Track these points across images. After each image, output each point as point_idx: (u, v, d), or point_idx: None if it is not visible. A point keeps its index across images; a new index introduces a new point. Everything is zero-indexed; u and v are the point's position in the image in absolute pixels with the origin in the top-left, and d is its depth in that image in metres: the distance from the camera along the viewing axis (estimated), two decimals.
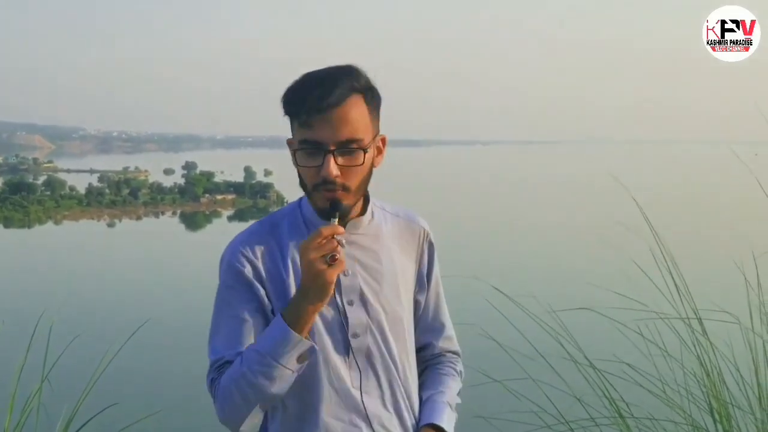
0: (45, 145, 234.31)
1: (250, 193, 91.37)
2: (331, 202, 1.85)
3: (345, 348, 1.94)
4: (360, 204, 1.98)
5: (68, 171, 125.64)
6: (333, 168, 1.83)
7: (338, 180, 1.84)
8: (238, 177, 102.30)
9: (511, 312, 3.84)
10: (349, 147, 1.84)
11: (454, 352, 2.21)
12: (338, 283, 1.92)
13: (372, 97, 1.89)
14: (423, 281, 2.11)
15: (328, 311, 1.92)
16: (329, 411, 1.92)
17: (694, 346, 3.46)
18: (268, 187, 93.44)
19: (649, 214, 3.78)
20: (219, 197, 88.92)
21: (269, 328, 1.85)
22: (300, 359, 1.83)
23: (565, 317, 3.76)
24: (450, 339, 2.19)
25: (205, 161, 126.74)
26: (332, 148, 1.82)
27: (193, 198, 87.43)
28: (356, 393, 1.94)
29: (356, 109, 1.84)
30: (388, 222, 2.06)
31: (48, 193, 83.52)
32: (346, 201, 1.87)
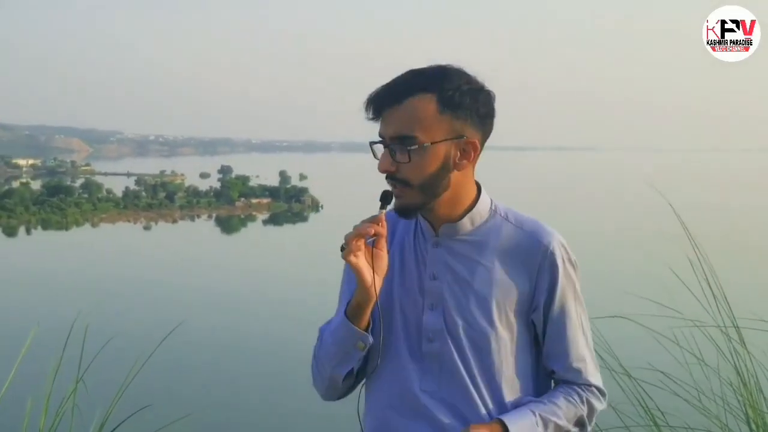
0: (83, 149, 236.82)
1: (285, 198, 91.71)
2: (382, 192, 1.93)
3: (418, 350, 1.97)
4: (458, 208, 1.97)
5: (105, 174, 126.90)
6: (382, 162, 1.91)
7: (396, 175, 1.89)
8: (274, 181, 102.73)
9: None
10: (400, 144, 1.88)
11: (587, 384, 2.00)
12: (423, 286, 1.98)
13: (452, 98, 1.86)
14: (539, 302, 1.95)
15: (411, 312, 1.99)
16: (395, 408, 1.98)
17: (731, 354, 3.42)
18: (303, 191, 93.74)
19: (687, 222, 3.74)
20: (254, 201, 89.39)
21: (336, 315, 2.02)
22: (359, 346, 1.95)
23: (600, 325, 3.72)
24: (578, 371, 1.98)
25: (241, 165, 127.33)
26: (388, 143, 1.90)
27: (229, 202, 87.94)
28: (422, 395, 1.95)
29: (415, 107, 1.86)
30: (505, 232, 1.97)
31: (85, 195, 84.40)
32: (406, 198, 1.91)
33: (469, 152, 1.91)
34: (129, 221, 78.44)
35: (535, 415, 1.90)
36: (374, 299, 1.90)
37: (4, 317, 30.84)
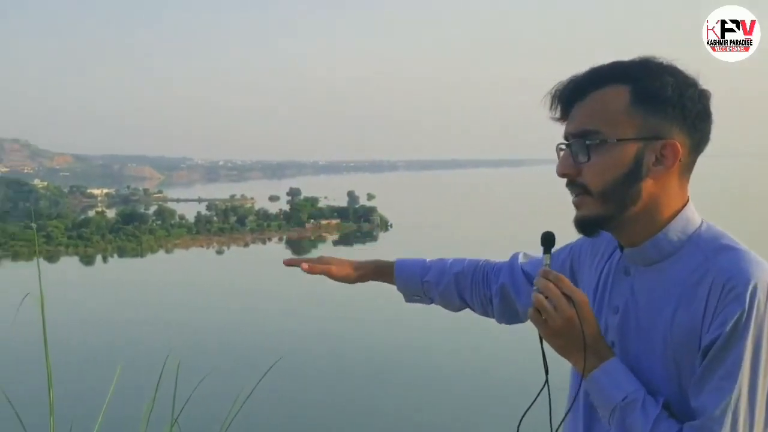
0: (154, 176, 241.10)
1: (354, 218, 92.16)
2: (543, 235, 1.64)
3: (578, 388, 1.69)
4: (647, 229, 1.59)
5: (177, 200, 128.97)
6: (561, 163, 1.60)
7: (576, 179, 1.58)
8: (342, 202, 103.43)
9: None
10: (582, 140, 1.56)
11: None
12: (607, 320, 1.68)
13: (650, 90, 1.53)
14: (700, 345, 1.51)
15: None
16: None
17: None
18: (371, 210, 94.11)
19: None
20: (324, 222, 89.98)
21: None
22: None
23: None
24: (700, 425, 1.47)
25: (309, 187, 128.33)
26: (570, 141, 1.59)
27: (299, 224, 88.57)
28: None
29: (602, 99, 1.56)
30: (693, 264, 1.55)
31: (159, 222, 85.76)
32: (584, 208, 1.59)
33: (668, 157, 1.54)
34: (202, 246, 79.46)
35: (633, 395, 1.53)
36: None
37: (91, 352, 31.27)
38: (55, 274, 55.25)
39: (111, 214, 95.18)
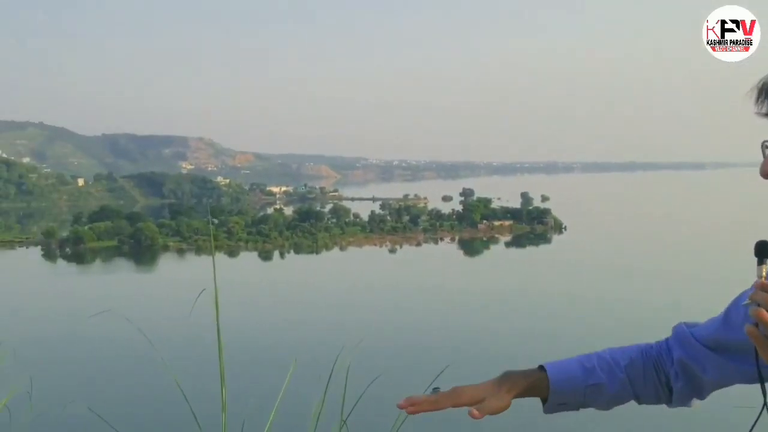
0: (331, 175, 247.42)
1: (528, 219, 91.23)
2: (757, 244, 1.37)
3: None
4: None
5: (352, 199, 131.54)
6: (765, 164, 1.41)
7: None
8: (515, 203, 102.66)
9: None
10: None
11: None
12: None
13: None
14: None
15: None
16: None
17: None
18: (545, 212, 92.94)
19: None
20: (496, 223, 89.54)
21: None
22: None
23: None
24: None
25: (482, 188, 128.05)
26: None
27: (471, 224, 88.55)
28: None
29: None
30: None
31: (334, 220, 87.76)
32: None
33: None
34: (375, 244, 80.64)
35: None
36: None
37: (265, 348, 32.22)
38: (236, 269, 57.33)
39: (288, 211, 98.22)
